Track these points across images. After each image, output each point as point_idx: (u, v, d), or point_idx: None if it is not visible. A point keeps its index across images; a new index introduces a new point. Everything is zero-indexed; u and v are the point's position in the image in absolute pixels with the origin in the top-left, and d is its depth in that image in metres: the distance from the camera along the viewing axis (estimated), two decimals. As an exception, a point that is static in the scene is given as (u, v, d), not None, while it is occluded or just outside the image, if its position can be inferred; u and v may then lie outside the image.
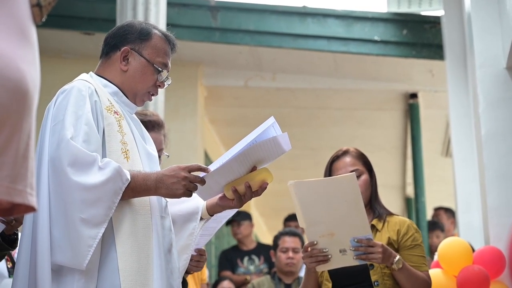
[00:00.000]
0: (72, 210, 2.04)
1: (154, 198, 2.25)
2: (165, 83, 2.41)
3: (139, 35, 2.37)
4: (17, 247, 2.54)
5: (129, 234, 2.13)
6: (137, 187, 2.13)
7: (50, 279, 2.03)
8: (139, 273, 2.11)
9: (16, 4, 1.17)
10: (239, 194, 2.29)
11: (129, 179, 2.12)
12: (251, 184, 2.27)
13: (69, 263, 2.04)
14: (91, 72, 2.39)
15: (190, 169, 2.16)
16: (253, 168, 2.28)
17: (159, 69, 2.36)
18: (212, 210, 2.47)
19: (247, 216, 6.39)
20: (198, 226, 2.49)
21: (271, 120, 2.25)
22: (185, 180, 2.14)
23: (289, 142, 2.30)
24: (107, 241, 2.10)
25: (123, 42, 2.36)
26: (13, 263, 2.79)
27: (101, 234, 2.05)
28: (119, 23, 5.06)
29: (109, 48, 2.38)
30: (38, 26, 1.26)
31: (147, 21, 4.77)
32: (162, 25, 5.05)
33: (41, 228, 2.05)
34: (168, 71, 2.41)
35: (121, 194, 2.10)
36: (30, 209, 1.23)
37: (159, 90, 2.45)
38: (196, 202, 2.47)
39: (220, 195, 2.37)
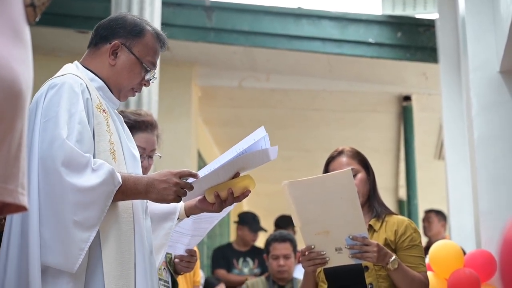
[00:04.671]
0: (65, 212, 1.99)
1: (137, 201, 2.23)
2: (150, 81, 2.38)
3: (131, 30, 2.33)
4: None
5: (114, 237, 2.11)
6: (127, 191, 2.10)
7: (40, 280, 1.99)
8: (121, 277, 2.09)
9: (9, 4, 1.17)
10: (221, 200, 2.28)
11: (121, 182, 2.08)
12: (234, 190, 2.26)
13: (59, 266, 2.00)
14: (76, 62, 2.34)
15: (181, 175, 2.14)
16: (236, 174, 2.27)
17: (147, 68, 2.33)
18: (189, 212, 2.46)
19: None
20: (174, 226, 2.47)
21: (263, 132, 2.23)
22: (176, 186, 2.12)
23: (276, 152, 2.29)
24: (94, 244, 2.06)
25: (114, 36, 2.32)
26: None
27: (92, 237, 2.01)
28: (113, 22, 5.05)
29: (99, 39, 2.34)
30: (32, 24, 1.26)
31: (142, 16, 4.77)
32: (156, 24, 5.04)
33: (32, 228, 2.00)
34: (155, 70, 2.39)
35: (112, 197, 2.06)
36: (21, 208, 1.23)
37: (152, 88, 2.43)
38: None
39: (199, 197, 2.35)
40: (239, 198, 2.29)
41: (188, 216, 2.48)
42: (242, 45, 6.69)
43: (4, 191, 1.16)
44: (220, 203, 2.29)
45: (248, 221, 6.31)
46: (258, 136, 2.21)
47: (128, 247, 2.14)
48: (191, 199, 2.35)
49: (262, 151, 2.22)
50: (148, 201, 2.33)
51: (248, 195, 2.30)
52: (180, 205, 2.46)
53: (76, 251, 1.99)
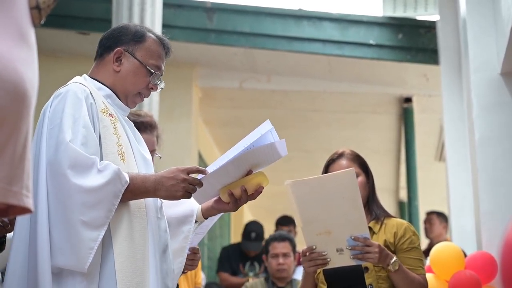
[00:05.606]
0: (72, 213, 2.03)
1: (149, 200, 2.25)
2: (158, 86, 2.41)
3: (133, 36, 2.37)
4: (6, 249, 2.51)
5: (126, 235, 2.13)
6: (135, 190, 2.13)
7: (51, 282, 2.01)
8: (135, 274, 2.11)
9: (15, 7, 1.17)
10: (235, 198, 2.31)
11: (128, 182, 2.11)
12: (247, 187, 2.28)
13: (70, 266, 2.03)
14: (84, 75, 2.39)
15: (189, 171, 2.16)
16: (249, 172, 2.29)
17: (152, 71, 2.36)
18: (207, 213, 2.48)
19: None
20: (192, 229, 2.49)
21: (269, 125, 2.24)
22: (184, 182, 2.14)
23: (286, 148, 2.30)
24: (105, 243, 2.09)
25: (117, 43, 2.37)
26: None
27: (101, 236, 2.04)
28: (114, 23, 5.06)
29: (103, 50, 2.39)
30: (37, 26, 1.26)
31: (143, 23, 4.78)
32: (157, 25, 5.05)
33: (41, 231, 2.03)
34: (161, 74, 2.41)
35: (120, 197, 2.09)
36: (26, 210, 1.23)
37: (153, 92, 2.45)
38: (191, 205, 2.47)
39: (215, 198, 2.38)
40: (253, 196, 2.32)
41: (206, 218, 2.50)
42: (242, 46, 6.69)
43: (8, 193, 1.16)
44: (234, 202, 2.32)
45: None
46: (265, 130, 2.22)
47: (142, 245, 2.16)
48: (206, 200, 2.38)
49: (270, 145, 2.23)
50: (164, 205, 2.37)
51: (261, 192, 2.32)
52: (197, 208, 2.48)
53: (86, 251, 2.02)
